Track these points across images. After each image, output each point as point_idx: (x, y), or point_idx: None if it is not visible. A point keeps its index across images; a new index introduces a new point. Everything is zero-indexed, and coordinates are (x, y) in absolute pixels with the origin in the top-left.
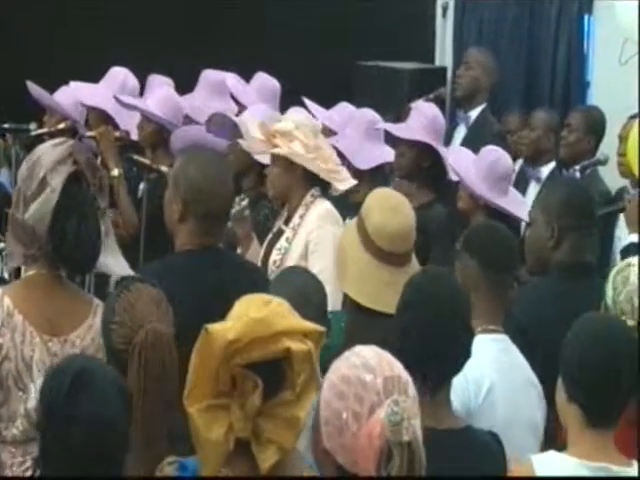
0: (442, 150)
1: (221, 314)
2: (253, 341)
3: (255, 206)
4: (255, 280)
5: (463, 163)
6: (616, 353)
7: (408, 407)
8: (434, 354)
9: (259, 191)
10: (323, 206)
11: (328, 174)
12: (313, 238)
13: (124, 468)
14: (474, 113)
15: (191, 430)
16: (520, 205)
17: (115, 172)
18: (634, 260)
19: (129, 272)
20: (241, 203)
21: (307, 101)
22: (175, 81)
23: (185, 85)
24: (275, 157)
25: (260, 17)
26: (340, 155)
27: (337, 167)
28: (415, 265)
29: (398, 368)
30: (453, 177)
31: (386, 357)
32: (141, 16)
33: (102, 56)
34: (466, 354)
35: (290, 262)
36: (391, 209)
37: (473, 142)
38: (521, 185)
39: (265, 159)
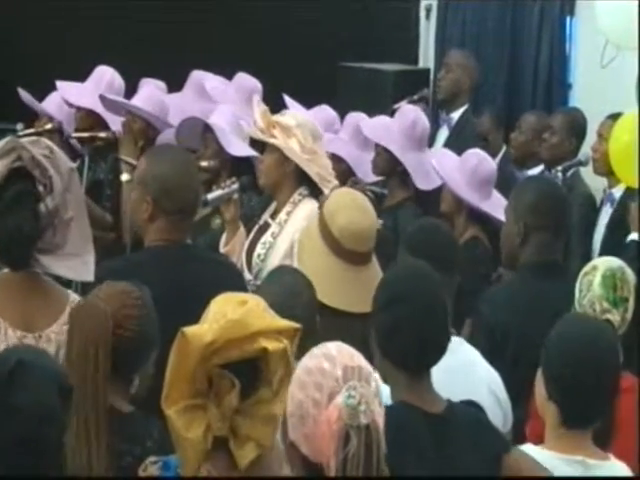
0: (408, 158)
1: (187, 310)
2: (230, 342)
3: (245, 192)
4: (225, 275)
5: (447, 167)
6: (598, 356)
7: (366, 393)
8: (425, 344)
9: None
10: (311, 206)
11: (319, 178)
12: (299, 239)
13: (62, 463)
14: (456, 115)
15: (170, 431)
16: (502, 208)
17: (124, 177)
18: (599, 262)
19: (87, 278)
20: (231, 186)
21: (287, 99)
22: (167, 84)
23: (178, 89)
24: (270, 148)
25: (244, 18)
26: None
27: (329, 177)
28: (375, 263)
29: (359, 359)
30: (421, 186)
31: (348, 349)
32: (130, 19)
33: (92, 60)
34: (448, 338)
35: (274, 258)
36: (357, 208)
37: (455, 144)
38: (510, 187)
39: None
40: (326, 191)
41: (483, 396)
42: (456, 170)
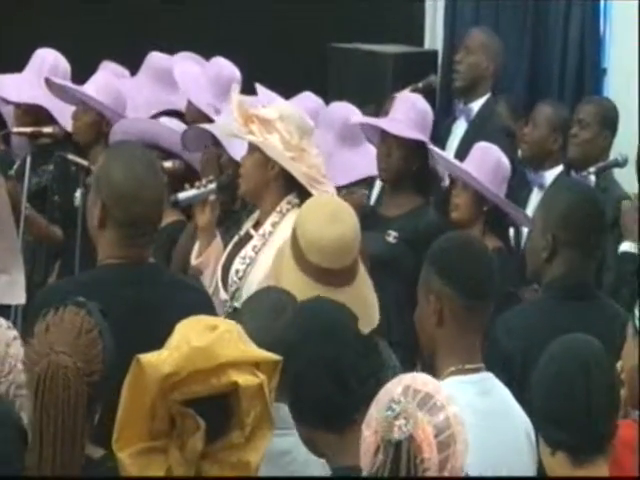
0: (436, 151)
1: (140, 340)
2: (193, 374)
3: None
4: (190, 301)
5: (463, 165)
6: (591, 380)
7: (412, 412)
8: (355, 379)
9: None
10: None
11: (307, 180)
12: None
13: None
14: (476, 105)
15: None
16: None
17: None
18: None
19: (16, 301)
20: (208, 186)
21: (259, 87)
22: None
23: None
24: (251, 146)
25: None
26: None
27: (321, 178)
28: (362, 285)
29: (435, 388)
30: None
31: (426, 377)
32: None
33: (40, 43)
34: (381, 364)
35: (255, 276)
36: (329, 217)
37: (476, 138)
38: (523, 192)
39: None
40: (315, 193)
41: (521, 439)
42: (474, 169)
